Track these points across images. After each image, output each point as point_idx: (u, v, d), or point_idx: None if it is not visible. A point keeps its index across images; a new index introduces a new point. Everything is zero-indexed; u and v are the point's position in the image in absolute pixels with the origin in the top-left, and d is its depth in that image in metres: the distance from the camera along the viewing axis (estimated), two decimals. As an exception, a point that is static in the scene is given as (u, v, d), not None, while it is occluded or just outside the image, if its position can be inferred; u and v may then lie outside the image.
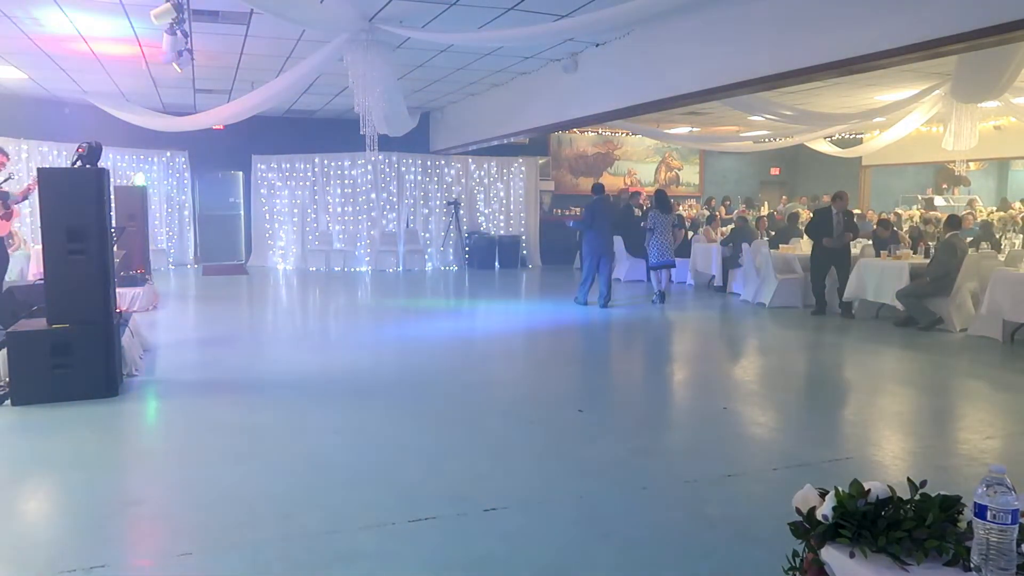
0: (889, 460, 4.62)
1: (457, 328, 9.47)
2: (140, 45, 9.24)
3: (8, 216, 8.28)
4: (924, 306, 8.77)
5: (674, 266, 11.44)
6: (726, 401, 5.86)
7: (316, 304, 11.87)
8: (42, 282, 6.34)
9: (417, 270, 15.93)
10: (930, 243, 10.28)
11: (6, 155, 8.45)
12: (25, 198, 8.77)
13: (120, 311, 6.67)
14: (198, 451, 4.65)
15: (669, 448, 4.89)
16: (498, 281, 14.51)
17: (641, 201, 14.30)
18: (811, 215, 11.79)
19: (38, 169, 6.02)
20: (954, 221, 9.18)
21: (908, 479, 2.11)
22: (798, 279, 10.67)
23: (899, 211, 15.75)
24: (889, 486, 2.08)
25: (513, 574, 3.11)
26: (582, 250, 10.85)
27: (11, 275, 10.34)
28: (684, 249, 13.57)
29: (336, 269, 15.70)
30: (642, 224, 12.08)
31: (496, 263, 16.44)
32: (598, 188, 11.06)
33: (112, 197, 6.84)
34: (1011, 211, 14.68)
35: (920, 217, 14.61)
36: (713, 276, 12.56)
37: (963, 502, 2.02)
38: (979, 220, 13.48)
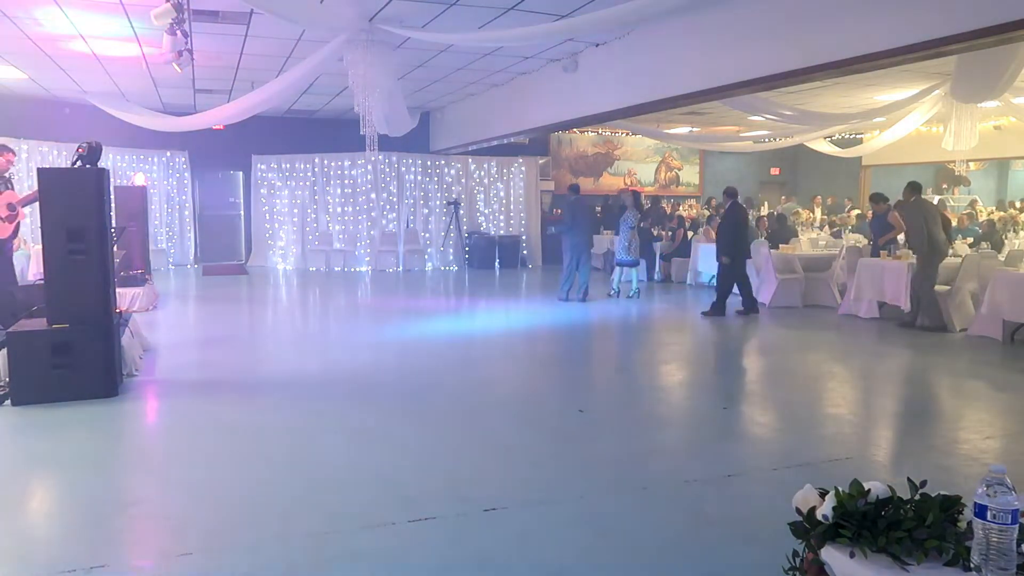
0: (889, 460, 4.63)
1: (457, 328, 9.47)
2: (140, 45, 9.24)
3: (12, 219, 8.14)
4: (939, 308, 8.70)
5: (637, 265, 11.72)
6: (726, 401, 5.87)
7: (316, 304, 11.87)
8: (42, 282, 6.34)
9: (417, 270, 15.93)
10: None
11: (12, 152, 8.31)
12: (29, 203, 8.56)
13: (120, 311, 6.67)
14: (198, 451, 4.65)
15: (669, 448, 4.89)
16: (498, 281, 14.51)
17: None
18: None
19: (38, 169, 6.02)
20: (916, 187, 9.10)
21: (908, 479, 2.11)
22: (798, 279, 10.67)
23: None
24: (889, 486, 2.08)
25: (513, 574, 3.11)
26: (563, 249, 11.30)
27: (11, 275, 10.33)
28: (684, 249, 13.58)
29: (336, 269, 15.70)
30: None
31: (496, 263, 16.44)
32: (575, 188, 11.75)
33: (112, 197, 6.84)
34: (1011, 211, 14.68)
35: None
36: (714, 276, 12.56)
37: (963, 502, 2.02)
38: (980, 220, 13.47)
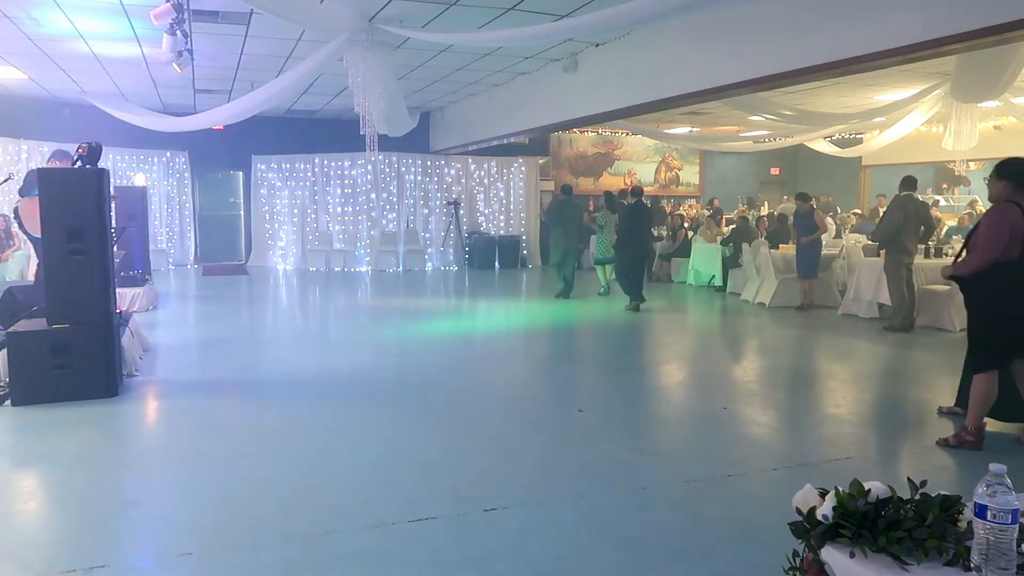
0: (889, 460, 4.62)
1: (457, 328, 9.47)
2: (140, 45, 9.24)
3: None
4: (909, 307, 8.70)
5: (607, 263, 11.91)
6: (726, 401, 5.86)
7: (316, 304, 11.87)
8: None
9: (417, 270, 15.93)
10: (930, 244, 10.25)
11: (71, 159, 8.22)
12: None
13: (120, 311, 6.67)
14: (198, 451, 4.65)
15: (669, 448, 4.89)
16: (498, 281, 14.51)
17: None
18: None
19: (39, 169, 6.02)
20: (909, 183, 9.04)
21: (908, 479, 2.11)
22: (798, 279, 10.66)
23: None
24: (889, 486, 2.08)
25: (513, 574, 3.11)
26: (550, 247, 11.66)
27: (11, 275, 10.35)
28: (684, 249, 13.57)
29: (336, 269, 15.70)
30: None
31: (496, 263, 16.44)
32: (566, 189, 12.16)
33: (112, 197, 6.84)
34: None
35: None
36: (713, 276, 12.58)
37: (963, 502, 2.02)
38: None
